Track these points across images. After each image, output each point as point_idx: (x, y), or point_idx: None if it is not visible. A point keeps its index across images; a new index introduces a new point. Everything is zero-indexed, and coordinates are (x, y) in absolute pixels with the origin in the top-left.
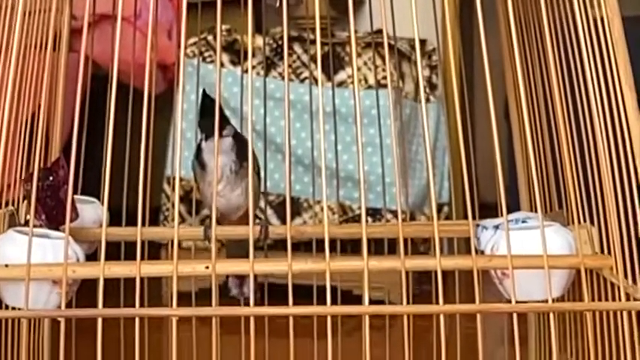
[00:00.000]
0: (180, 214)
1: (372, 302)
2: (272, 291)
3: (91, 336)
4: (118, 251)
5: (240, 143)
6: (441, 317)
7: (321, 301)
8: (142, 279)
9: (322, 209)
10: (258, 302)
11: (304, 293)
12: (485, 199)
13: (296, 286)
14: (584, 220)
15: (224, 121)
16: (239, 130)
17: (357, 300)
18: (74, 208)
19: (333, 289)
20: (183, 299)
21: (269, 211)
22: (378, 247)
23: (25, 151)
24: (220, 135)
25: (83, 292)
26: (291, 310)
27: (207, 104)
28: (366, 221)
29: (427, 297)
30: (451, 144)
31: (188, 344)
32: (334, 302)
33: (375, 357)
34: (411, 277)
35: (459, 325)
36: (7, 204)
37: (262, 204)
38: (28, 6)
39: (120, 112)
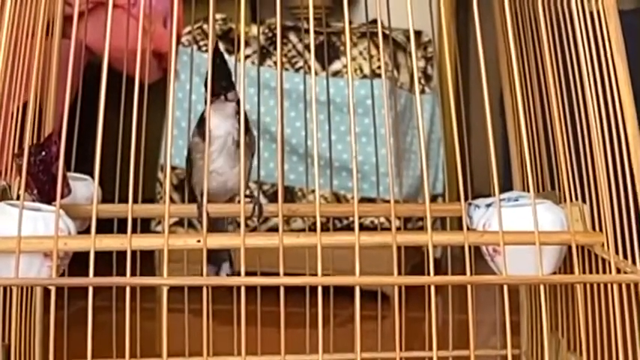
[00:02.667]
0: (173, 202)
1: (365, 293)
2: (264, 289)
3: (83, 321)
4: (110, 230)
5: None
6: (432, 290)
7: (314, 300)
8: (133, 265)
9: (316, 198)
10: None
11: (297, 293)
12: (481, 194)
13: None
14: (576, 199)
15: (230, 85)
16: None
17: (349, 294)
18: (67, 184)
19: (325, 288)
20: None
21: (263, 200)
22: None
23: (17, 141)
24: (226, 98)
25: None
26: (282, 280)
27: (217, 63)
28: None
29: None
30: (446, 136)
31: (180, 336)
32: (326, 295)
33: (367, 347)
34: None
35: (452, 319)
36: None
37: (256, 192)
38: None
39: (114, 100)
